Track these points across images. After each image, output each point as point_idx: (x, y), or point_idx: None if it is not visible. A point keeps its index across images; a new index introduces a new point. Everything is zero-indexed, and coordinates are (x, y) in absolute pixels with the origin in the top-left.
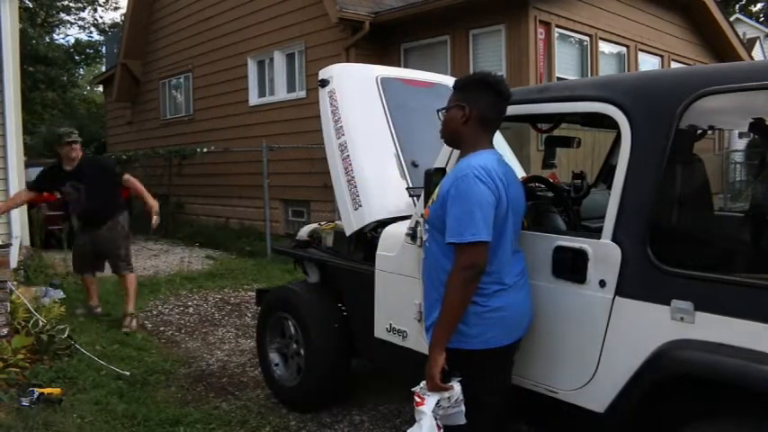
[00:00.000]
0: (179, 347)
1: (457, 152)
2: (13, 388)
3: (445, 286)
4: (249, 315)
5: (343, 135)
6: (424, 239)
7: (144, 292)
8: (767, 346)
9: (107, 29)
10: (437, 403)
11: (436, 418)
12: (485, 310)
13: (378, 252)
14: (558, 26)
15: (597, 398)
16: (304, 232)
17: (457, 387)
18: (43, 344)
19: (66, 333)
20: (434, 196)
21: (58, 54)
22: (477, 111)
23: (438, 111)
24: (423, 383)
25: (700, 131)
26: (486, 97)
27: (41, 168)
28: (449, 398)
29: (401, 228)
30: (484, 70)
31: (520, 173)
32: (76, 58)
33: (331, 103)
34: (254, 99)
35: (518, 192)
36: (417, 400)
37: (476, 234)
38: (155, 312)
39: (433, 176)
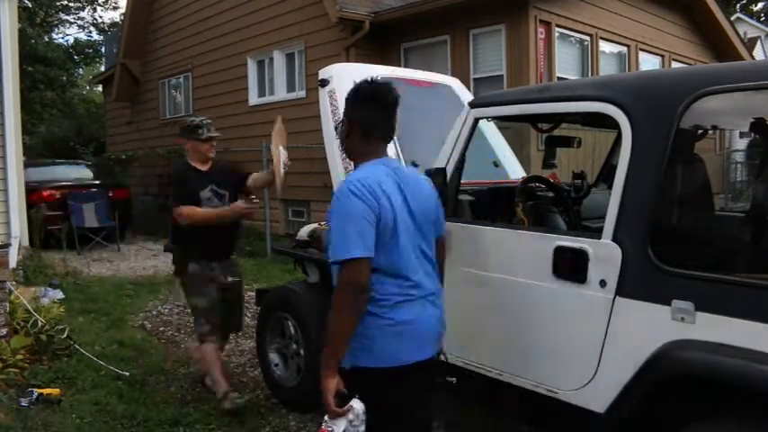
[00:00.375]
0: (178, 347)
1: (456, 153)
2: (13, 388)
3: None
4: (249, 315)
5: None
6: None
7: (143, 292)
8: (767, 346)
9: (106, 28)
10: (344, 430)
11: None
12: (387, 323)
13: None
14: (558, 26)
15: (597, 398)
16: (304, 232)
17: (357, 405)
18: (42, 344)
19: (66, 333)
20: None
21: (57, 54)
22: (356, 123)
23: (334, 127)
24: (326, 416)
25: (700, 131)
26: (363, 107)
27: (175, 175)
28: (355, 418)
29: None
30: (366, 80)
31: (520, 173)
32: (76, 57)
33: (331, 103)
34: (253, 99)
35: (420, 199)
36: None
37: (349, 251)
38: (154, 312)
39: (434, 176)
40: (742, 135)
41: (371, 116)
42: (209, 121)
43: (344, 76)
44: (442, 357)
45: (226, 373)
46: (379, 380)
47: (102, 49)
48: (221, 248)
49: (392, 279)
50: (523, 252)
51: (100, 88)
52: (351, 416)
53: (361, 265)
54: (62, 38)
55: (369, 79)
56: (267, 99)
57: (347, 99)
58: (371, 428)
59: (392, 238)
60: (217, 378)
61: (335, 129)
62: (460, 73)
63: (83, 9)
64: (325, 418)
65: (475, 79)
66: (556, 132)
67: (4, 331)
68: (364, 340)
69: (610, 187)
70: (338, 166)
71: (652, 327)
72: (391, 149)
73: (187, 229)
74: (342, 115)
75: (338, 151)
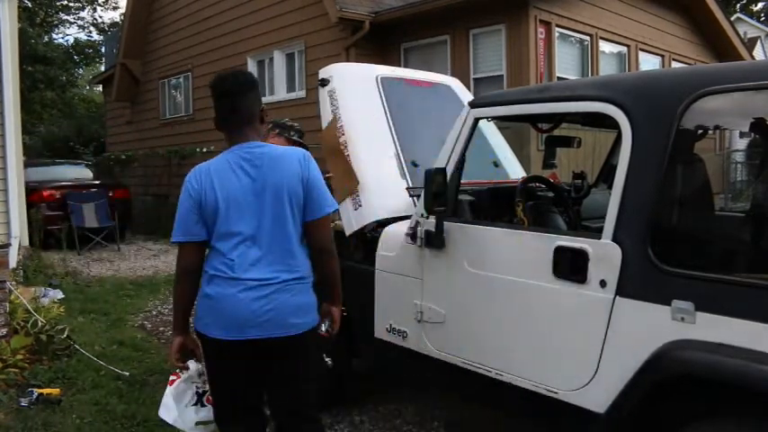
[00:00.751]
0: None
1: (456, 153)
2: (13, 388)
3: None
4: None
5: (343, 135)
6: None
7: (143, 292)
8: (767, 346)
9: (106, 28)
10: (187, 378)
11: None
12: (201, 294)
13: (378, 252)
14: (558, 26)
15: (597, 398)
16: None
17: (191, 366)
18: (42, 344)
19: (66, 333)
20: None
21: (57, 54)
22: (215, 118)
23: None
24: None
25: (700, 131)
26: (215, 102)
27: None
28: (191, 375)
29: (401, 228)
30: (218, 74)
31: (520, 173)
32: (75, 57)
33: (331, 103)
34: None
35: (270, 177)
36: (172, 377)
37: (174, 235)
38: (154, 312)
39: (434, 176)
40: (742, 135)
41: (218, 108)
42: (303, 131)
43: (345, 75)
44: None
45: None
46: (204, 345)
47: (102, 49)
48: None
49: (216, 255)
50: (523, 252)
51: (100, 88)
52: (184, 374)
53: (182, 248)
54: (62, 38)
55: (221, 73)
56: (267, 99)
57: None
58: (211, 380)
59: (212, 220)
60: None
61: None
62: (460, 73)
63: (83, 9)
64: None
65: (475, 79)
66: (556, 132)
67: (4, 331)
68: (197, 306)
69: (610, 187)
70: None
71: (652, 327)
72: (391, 149)
73: None
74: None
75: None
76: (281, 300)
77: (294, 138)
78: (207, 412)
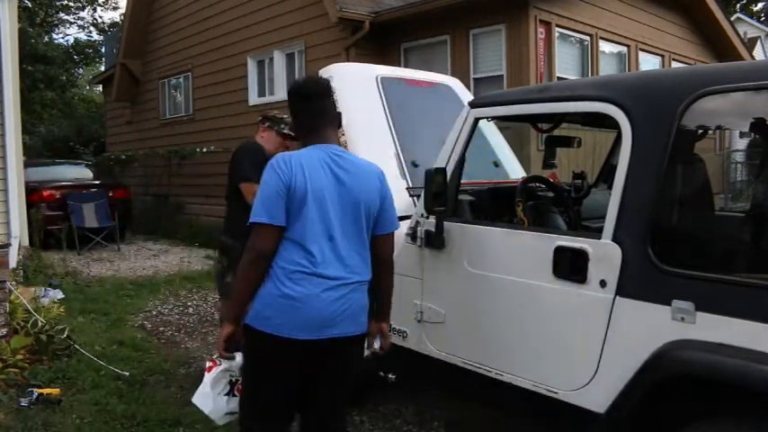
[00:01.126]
0: (178, 348)
1: (456, 153)
2: (13, 388)
3: None
4: None
5: (343, 135)
6: None
7: (143, 292)
8: (767, 346)
9: (106, 28)
10: (227, 369)
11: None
12: (278, 294)
13: None
14: (558, 26)
15: (597, 398)
16: None
17: (238, 358)
18: (42, 344)
19: (66, 333)
20: None
21: (57, 53)
22: (296, 118)
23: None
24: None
25: (700, 131)
26: (296, 104)
27: (249, 150)
28: (229, 367)
29: (401, 228)
30: (297, 78)
31: (520, 173)
32: (75, 57)
33: None
34: (253, 99)
35: (356, 184)
36: (209, 364)
37: (257, 216)
38: (154, 312)
39: (434, 176)
40: (742, 135)
41: (302, 108)
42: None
43: (345, 75)
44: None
45: None
46: (260, 343)
47: (102, 49)
48: None
49: (294, 249)
50: (523, 252)
51: (100, 88)
52: (225, 364)
53: (262, 230)
54: (62, 38)
55: (295, 80)
56: (267, 99)
57: (288, 97)
58: (252, 381)
59: (298, 211)
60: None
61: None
62: (460, 73)
63: (83, 9)
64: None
65: (475, 79)
66: (556, 132)
67: (5, 331)
68: (259, 302)
69: (610, 187)
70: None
71: (652, 327)
72: (391, 149)
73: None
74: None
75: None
76: (355, 299)
77: (284, 131)
78: (235, 403)
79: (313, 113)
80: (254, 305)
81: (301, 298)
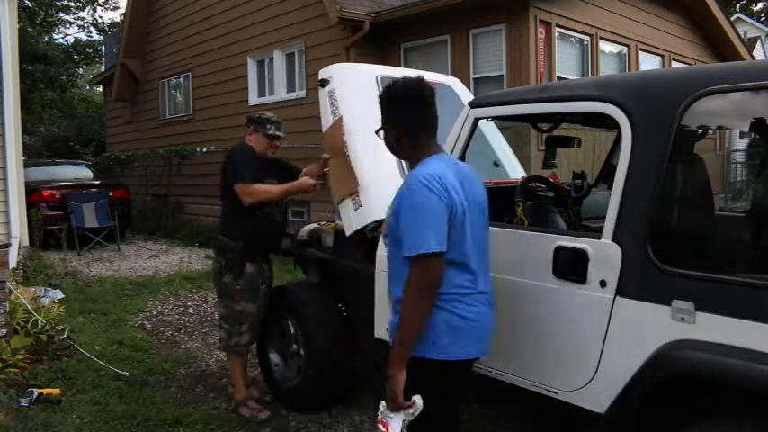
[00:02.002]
0: (179, 347)
1: (456, 153)
2: (12, 388)
3: (401, 302)
4: None
5: (344, 134)
6: (386, 254)
7: (143, 292)
8: (767, 346)
9: (106, 28)
10: (402, 423)
11: None
12: (455, 318)
13: (378, 252)
14: (558, 26)
15: (597, 398)
16: (304, 232)
17: (419, 401)
18: (42, 344)
19: (66, 333)
20: (389, 210)
21: (57, 53)
22: (401, 128)
23: (376, 132)
24: (382, 407)
25: (700, 131)
26: (404, 110)
27: (241, 151)
28: (412, 414)
29: None
30: (397, 80)
31: (520, 173)
32: (76, 57)
33: (331, 103)
34: (253, 99)
35: (479, 192)
36: (381, 428)
37: (425, 246)
38: (154, 312)
39: None
40: (742, 135)
41: (416, 117)
42: (279, 120)
43: (344, 76)
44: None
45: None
46: (433, 372)
47: (102, 49)
48: (274, 246)
49: (459, 272)
50: (524, 252)
51: (100, 88)
52: (411, 410)
53: (436, 259)
54: (62, 38)
55: (401, 80)
56: (267, 99)
57: (384, 105)
58: (427, 413)
59: (460, 231)
60: (239, 388)
61: (376, 134)
62: (460, 73)
63: (83, 9)
64: (381, 409)
65: (475, 79)
66: (556, 132)
67: (4, 331)
68: (430, 332)
69: (610, 187)
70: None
71: (652, 327)
72: None
73: (249, 222)
74: (382, 122)
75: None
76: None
77: (271, 132)
78: None
79: (425, 118)
80: (425, 337)
81: (477, 318)
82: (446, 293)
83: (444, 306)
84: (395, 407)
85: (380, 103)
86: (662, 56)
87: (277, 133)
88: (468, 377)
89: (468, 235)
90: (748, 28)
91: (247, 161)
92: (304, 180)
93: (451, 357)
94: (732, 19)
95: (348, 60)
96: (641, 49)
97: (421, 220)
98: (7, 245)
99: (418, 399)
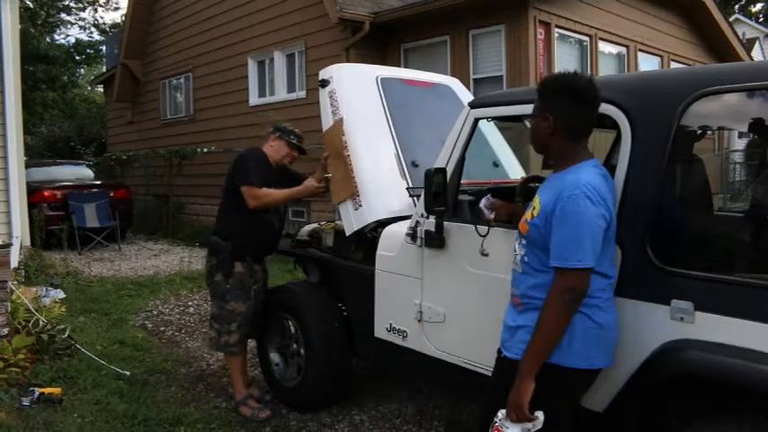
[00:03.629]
0: (179, 347)
1: (456, 153)
2: (14, 388)
3: (541, 310)
4: None
5: (344, 135)
6: (519, 254)
7: (144, 292)
8: (767, 346)
9: (107, 29)
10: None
11: None
12: (594, 326)
13: (378, 252)
14: (557, 26)
15: (597, 398)
16: (304, 232)
17: (541, 417)
18: (44, 344)
19: (67, 333)
20: (534, 210)
21: (58, 54)
22: (562, 121)
23: (523, 118)
24: (501, 415)
25: (700, 131)
26: (572, 105)
27: (252, 156)
28: (532, 427)
29: (401, 228)
30: (568, 73)
31: (520, 173)
32: (77, 58)
33: (331, 104)
34: (254, 99)
35: (614, 201)
36: None
37: (582, 260)
38: (155, 312)
39: (434, 176)
40: (741, 135)
41: (582, 116)
42: (302, 136)
43: (345, 76)
44: None
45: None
46: (570, 379)
47: (103, 50)
48: (268, 250)
49: (601, 279)
50: None
51: (101, 88)
52: (529, 425)
53: (588, 274)
54: (63, 38)
55: (574, 75)
56: (267, 99)
57: (549, 93)
58: (552, 423)
59: (609, 241)
60: (239, 388)
61: (523, 122)
62: (460, 73)
63: (84, 10)
64: (499, 417)
65: (475, 79)
66: None
67: (6, 331)
68: (566, 339)
69: None
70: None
71: (651, 326)
72: (391, 149)
73: (245, 223)
74: (538, 110)
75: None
76: None
77: (293, 142)
78: None
79: (590, 119)
80: (560, 343)
81: (610, 325)
82: (588, 299)
83: (582, 312)
84: (518, 417)
85: (548, 90)
86: (661, 56)
87: (300, 145)
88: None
89: (611, 243)
90: (747, 29)
91: (259, 166)
92: (308, 183)
93: (583, 366)
94: (731, 20)
95: (348, 61)
96: (640, 50)
97: (580, 233)
98: (9, 245)
99: (541, 414)
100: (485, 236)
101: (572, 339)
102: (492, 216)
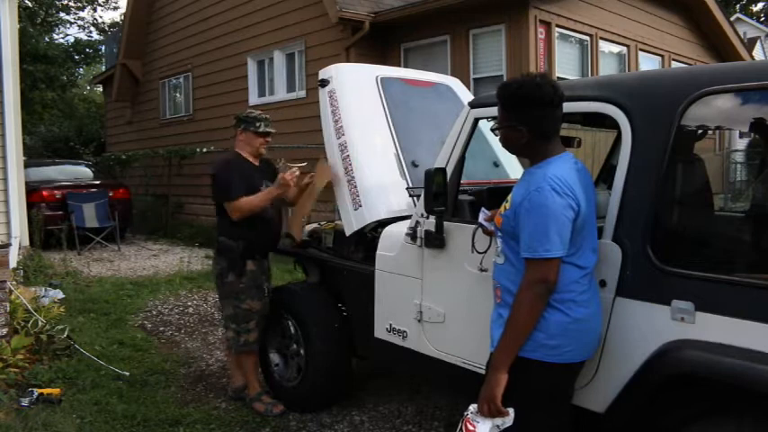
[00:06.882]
0: (179, 347)
1: (456, 153)
2: (13, 388)
3: (513, 302)
4: None
5: (344, 135)
6: (498, 247)
7: (143, 292)
8: (767, 346)
9: (106, 29)
10: (499, 425)
11: None
12: (569, 320)
13: (378, 252)
14: (558, 26)
15: (597, 398)
16: (304, 232)
17: (512, 413)
18: (43, 344)
19: (66, 333)
20: (507, 204)
21: (57, 53)
22: (534, 128)
23: (492, 130)
24: (472, 408)
25: (700, 131)
26: (540, 113)
27: (224, 171)
28: (502, 423)
29: (401, 228)
30: (526, 80)
31: (520, 173)
32: (76, 57)
33: (331, 103)
34: (253, 99)
35: (593, 193)
36: (469, 427)
37: (549, 250)
38: (154, 312)
39: (434, 176)
40: (742, 135)
41: (547, 118)
42: (268, 116)
43: (345, 76)
44: None
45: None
46: (545, 377)
47: (103, 49)
48: (273, 246)
49: (576, 271)
50: None
51: (100, 88)
52: (499, 421)
53: (556, 264)
54: (62, 38)
55: (527, 79)
56: (267, 99)
57: (510, 104)
58: (525, 419)
59: (582, 233)
60: (253, 383)
61: (492, 132)
62: (460, 73)
63: (83, 9)
64: (471, 410)
65: (475, 79)
66: None
67: (5, 331)
68: (542, 334)
69: (609, 187)
70: (338, 166)
71: (652, 327)
72: (391, 149)
73: (251, 223)
74: (503, 121)
75: (338, 151)
76: None
77: (261, 129)
78: None
79: (556, 119)
80: (535, 338)
81: (588, 319)
82: (560, 292)
83: (556, 306)
84: (490, 410)
85: (509, 101)
86: (662, 56)
87: (267, 130)
88: (570, 391)
89: (585, 236)
90: (748, 28)
91: (229, 178)
92: (279, 178)
93: (560, 361)
94: (732, 19)
95: (348, 60)
96: (641, 50)
97: (546, 224)
98: (7, 245)
99: (511, 411)
100: (484, 252)
101: (548, 335)
102: (493, 228)
